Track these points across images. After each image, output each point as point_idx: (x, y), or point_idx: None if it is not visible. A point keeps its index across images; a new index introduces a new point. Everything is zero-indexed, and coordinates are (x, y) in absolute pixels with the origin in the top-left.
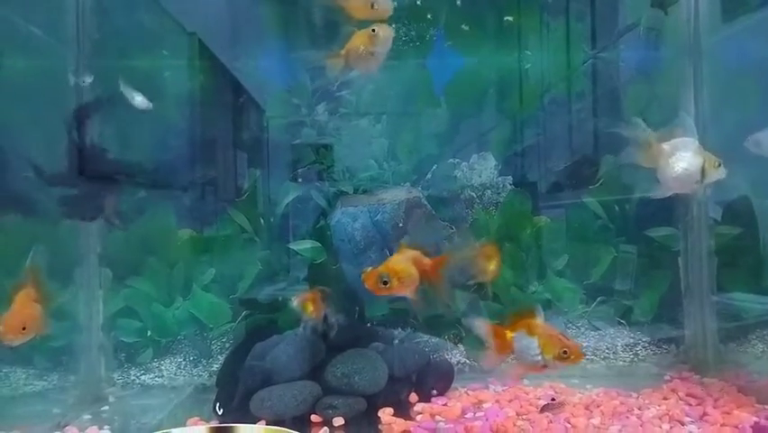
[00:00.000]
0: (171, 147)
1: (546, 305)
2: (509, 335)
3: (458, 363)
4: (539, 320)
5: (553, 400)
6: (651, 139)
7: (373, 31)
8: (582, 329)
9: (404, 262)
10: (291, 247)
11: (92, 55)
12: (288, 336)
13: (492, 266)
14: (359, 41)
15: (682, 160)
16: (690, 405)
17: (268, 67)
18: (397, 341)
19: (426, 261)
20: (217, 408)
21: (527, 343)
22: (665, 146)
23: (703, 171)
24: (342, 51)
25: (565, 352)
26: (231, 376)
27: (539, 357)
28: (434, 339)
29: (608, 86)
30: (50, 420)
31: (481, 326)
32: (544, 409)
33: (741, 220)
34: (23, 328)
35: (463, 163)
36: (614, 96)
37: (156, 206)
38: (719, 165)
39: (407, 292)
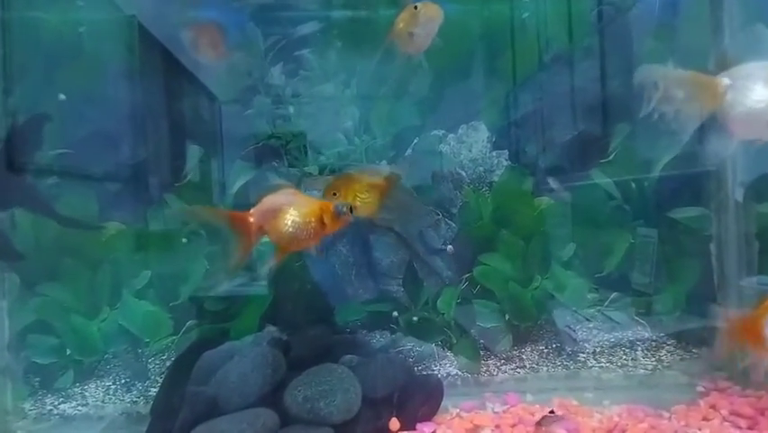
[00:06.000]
0: (91, 121)
1: (551, 303)
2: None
3: (448, 375)
4: None
5: (551, 412)
6: (690, 74)
7: (415, 8)
8: (594, 331)
9: None
10: None
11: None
12: (240, 351)
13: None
14: (401, 19)
15: (751, 92)
16: (741, 428)
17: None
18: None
19: None
20: None
21: None
22: (723, 78)
23: None
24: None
25: None
26: (169, 403)
27: None
28: (420, 348)
29: (620, 38)
30: None
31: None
32: (540, 423)
33: None
34: None
35: (450, 135)
36: (627, 50)
37: (73, 193)
38: None
39: None
